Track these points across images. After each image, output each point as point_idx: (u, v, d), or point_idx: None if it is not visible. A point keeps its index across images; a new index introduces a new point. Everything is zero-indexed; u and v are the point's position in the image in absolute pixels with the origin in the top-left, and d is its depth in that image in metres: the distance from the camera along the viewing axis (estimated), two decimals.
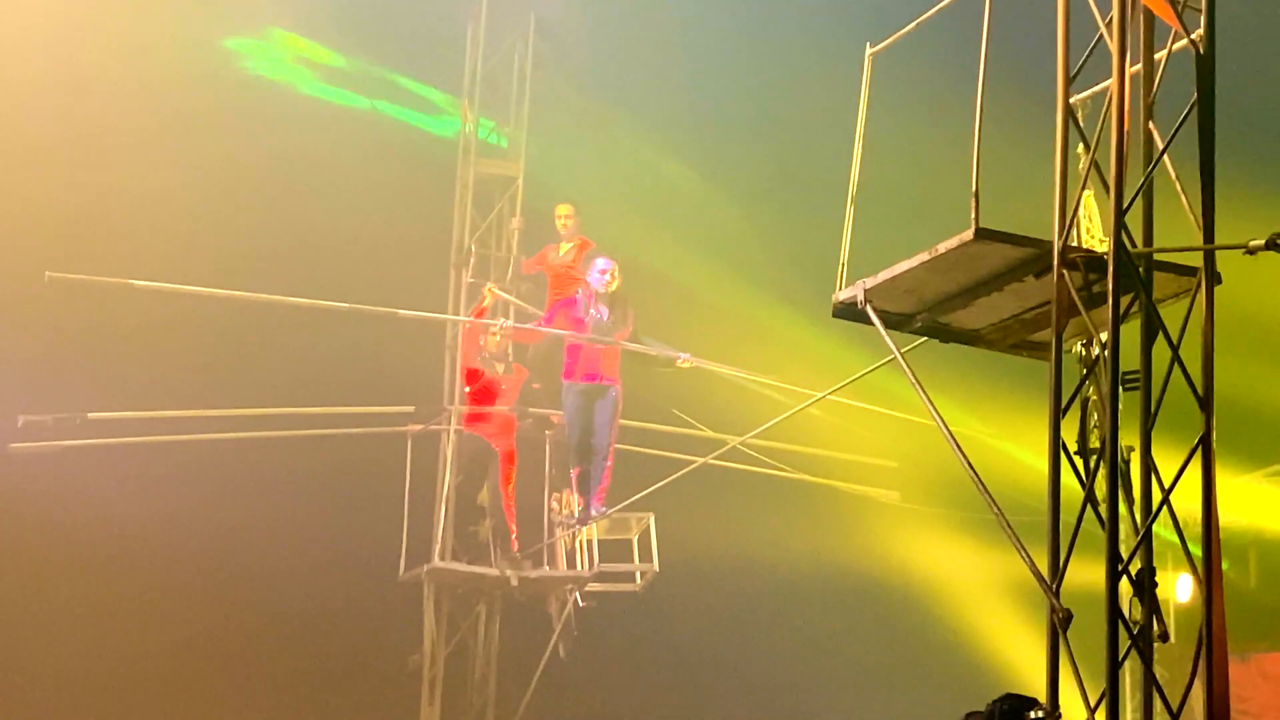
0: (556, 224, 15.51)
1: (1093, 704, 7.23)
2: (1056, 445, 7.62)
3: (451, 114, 16.74)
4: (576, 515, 14.22)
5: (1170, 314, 7.75)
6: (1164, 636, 7.50)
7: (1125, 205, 7.58)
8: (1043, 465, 7.69)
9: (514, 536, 14.69)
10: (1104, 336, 7.65)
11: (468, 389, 14.85)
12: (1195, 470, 7.51)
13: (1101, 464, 7.57)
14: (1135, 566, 7.40)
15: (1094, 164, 7.83)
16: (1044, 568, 7.47)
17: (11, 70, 14.54)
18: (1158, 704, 7.48)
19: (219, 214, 15.13)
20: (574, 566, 14.48)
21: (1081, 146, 7.96)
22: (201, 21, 15.81)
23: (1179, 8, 7.76)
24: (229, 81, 15.75)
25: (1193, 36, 7.76)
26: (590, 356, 14.17)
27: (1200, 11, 7.80)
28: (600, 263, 14.35)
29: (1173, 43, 7.83)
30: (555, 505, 14.70)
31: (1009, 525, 7.78)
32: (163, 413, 14.40)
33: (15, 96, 14.59)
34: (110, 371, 14.49)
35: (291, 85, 16.09)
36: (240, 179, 15.34)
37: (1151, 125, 7.81)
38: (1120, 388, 7.52)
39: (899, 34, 8.91)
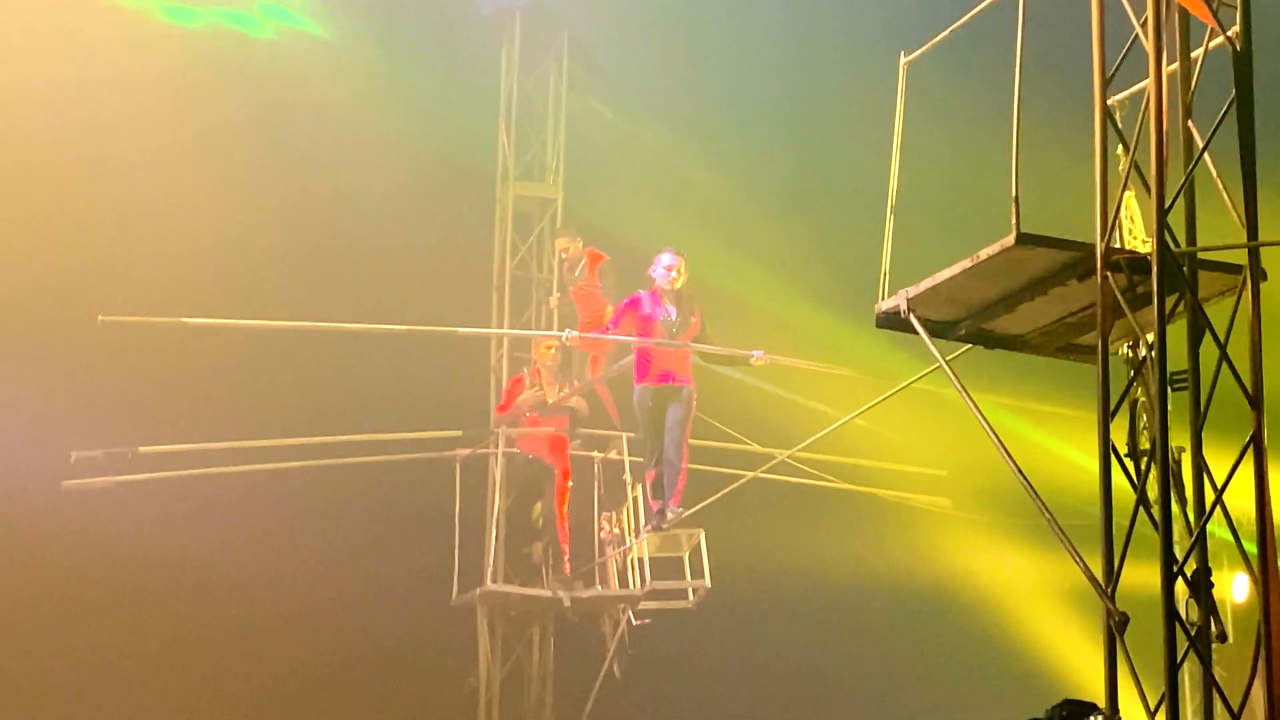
0: (561, 258, 15.57)
1: (1153, 707, 7.19)
2: (1106, 448, 7.59)
3: (489, 137, 16.79)
4: (652, 520, 13.97)
5: (1216, 312, 7.72)
6: (1222, 637, 7.46)
7: (1167, 205, 7.55)
8: (1093, 468, 7.66)
9: (566, 558, 14.68)
10: (1150, 337, 7.62)
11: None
12: (1248, 468, 7.46)
13: (1153, 465, 7.53)
14: (1191, 567, 7.36)
15: (1134, 164, 7.80)
16: (1099, 572, 7.44)
17: (59, 116, 14.71)
18: (1218, 705, 7.44)
19: (259, 242, 15.21)
20: (626, 585, 14.45)
21: (1121, 147, 7.94)
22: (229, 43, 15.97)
23: (1214, 5, 7.73)
24: (265, 106, 15.83)
25: (1229, 33, 7.73)
26: (662, 357, 13.77)
27: (1235, 8, 7.77)
28: (665, 258, 13.81)
29: (1209, 40, 7.80)
30: (606, 525, 14.69)
31: (1061, 530, 7.75)
32: (213, 444, 14.48)
33: (63, 137, 14.76)
34: (160, 405, 14.58)
35: (329, 110, 16.17)
36: (280, 207, 15.44)
37: (1190, 124, 7.78)
38: (1169, 388, 7.49)
39: (933, 42, 8.90)
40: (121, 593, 14.48)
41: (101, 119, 14.88)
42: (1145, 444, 7.77)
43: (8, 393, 14.18)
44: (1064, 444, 14.61)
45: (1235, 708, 7.32)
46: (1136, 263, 7.72)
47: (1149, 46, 7.69)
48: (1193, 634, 7.31)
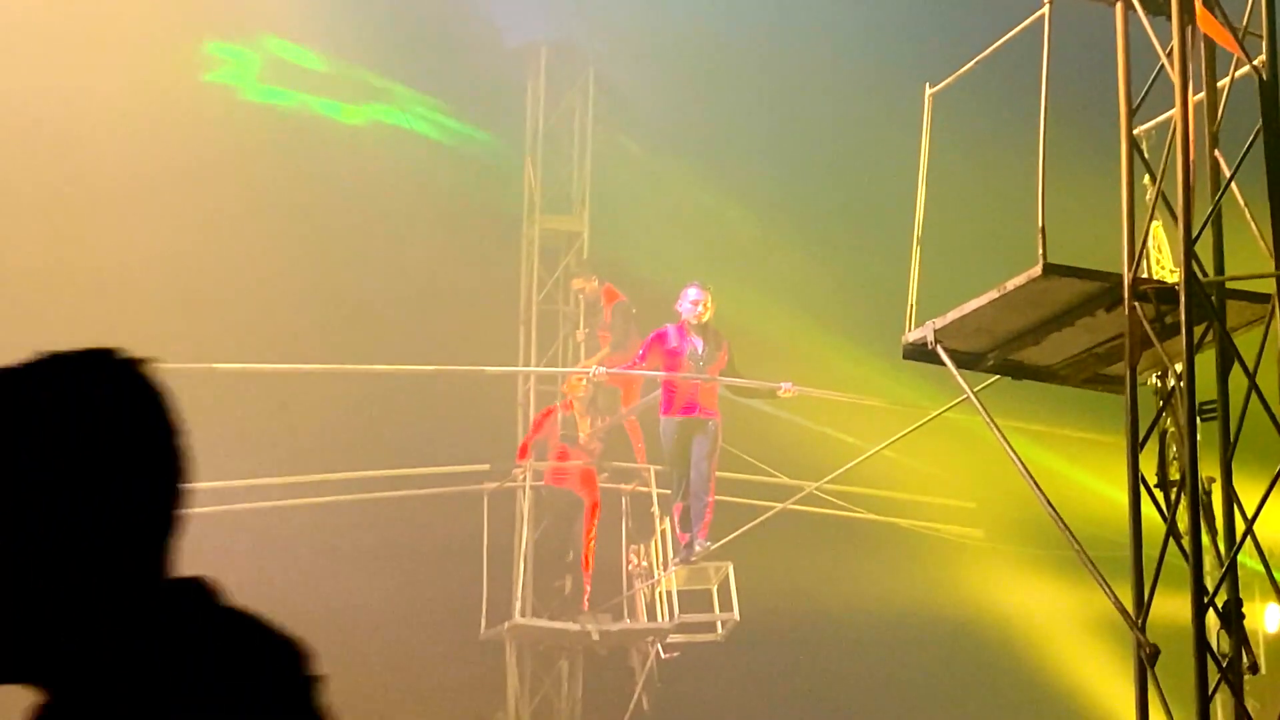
0: (580, 299, 15.64)
1: None
2: (1136, 479, 7.56)
3: (515, 171, 16.83)
4: (679, 553, 13.93)
5: (1245, 342, 7.69)
6: (1254, 668, 7.42)
7: (1195, 234, 7.53)
8: (1123, 498, 7.63)
9: (586, 595, 14.64)
10: (1179, 367, 7.60)
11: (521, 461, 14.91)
12: (1278, 498, 7.43)
13: (1182, 496, 7.51)
14: (1221, 598, 7.32)
15: (1161, 194, 7.79)
16: (1129, 603, 7.41)
17: (94, 163, 14.81)
18: None
19: (286, 277, 15.28)
20: (654, 618, 14.42)
21: (1147, 177, 7.93)
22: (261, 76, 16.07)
23: (1240, 34, 7.73)
24: (292, 152, 15.91)
25: (1255, 63, 7.72)
26: (687, 389, 13.75)
27: (1262, 37, 7.76)
28: (692, 293, 13.79)
29: (1235, 70, 7.80)
30: (634, 558, 14.67)
31: (1090, 561, 7.72)
32: (241, 481, 14.50)
33: (96, 184, 14.85)
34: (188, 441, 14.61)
35: (357, 148, 16.23)
36: (309, 243, 15.51)
37: (1217, 153, 7.77)
38: (1198, 418, 7.46)
39: (958, 73, 8.91)
40: None
41: (132, 172, 14.97)
42: (1175, 474, 7.74)
43: None
44: (1093, 475, 14.56)
45: None
46: (1164, 293, 7.70)
47: (1175, 76, 7.69)
48: (1224, 665, 7.27)
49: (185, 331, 14.29)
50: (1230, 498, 7.44)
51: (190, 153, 15.08)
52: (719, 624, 14.36)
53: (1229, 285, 7.73)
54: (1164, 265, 8.21)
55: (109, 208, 14.94)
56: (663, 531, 14.39)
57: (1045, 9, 8.12)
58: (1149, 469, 7.72)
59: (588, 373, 14.65)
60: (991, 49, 8.66)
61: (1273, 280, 7.62)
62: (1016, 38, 8.47)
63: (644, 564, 14.57)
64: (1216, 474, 7.50)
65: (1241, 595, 7.39)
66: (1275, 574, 7.58)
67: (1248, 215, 7.67)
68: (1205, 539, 7.46)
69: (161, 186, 15.04)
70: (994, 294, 8.00)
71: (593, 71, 16.75)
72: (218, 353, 14.06)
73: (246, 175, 15.25)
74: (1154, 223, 8.02)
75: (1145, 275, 7.91)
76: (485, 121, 16.99)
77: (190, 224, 15.09)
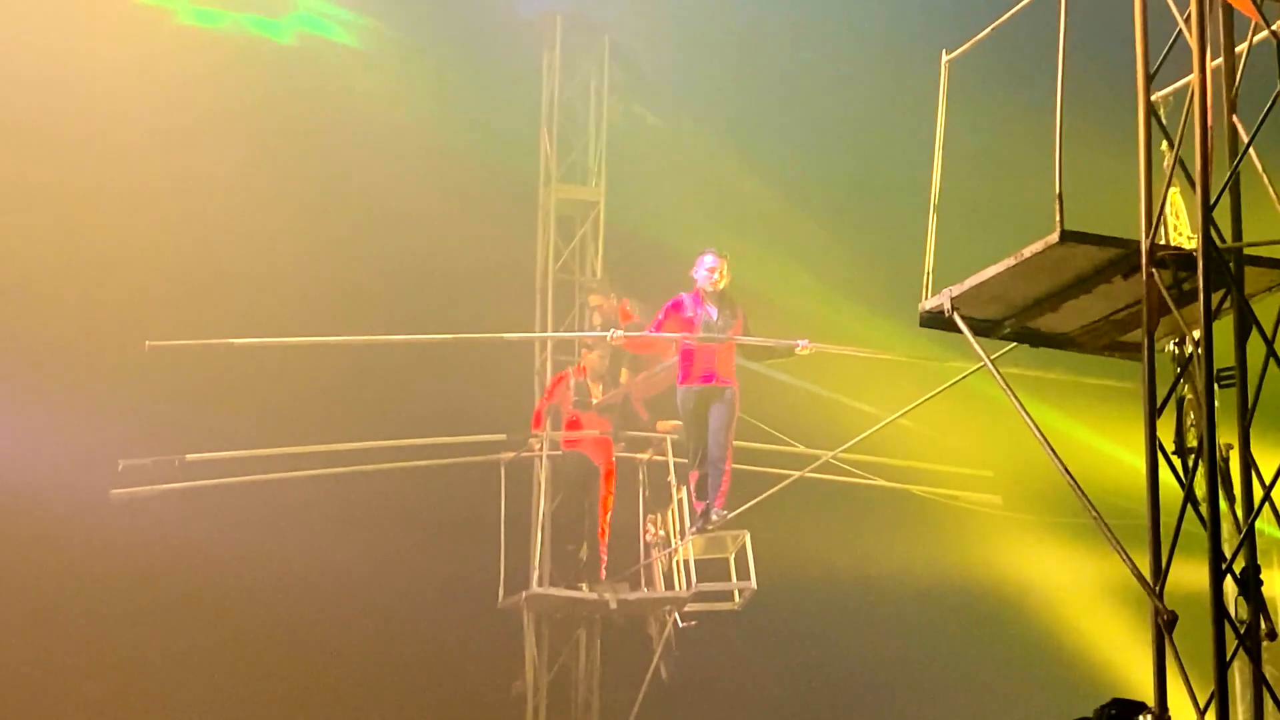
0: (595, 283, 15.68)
1: (1202, 706, 7.15)
2: (1153, 446, 7.56)
3: (531, 141, 16.82)
4: (696, 521, 13.94)
5: (1263, 308, 7.68)
6: (1272, 634, 7.42)
7: (1212, 201, 7.51)
8: (1141, 465, 7.62)
9: (603, 564, 14.66)
10: (1196, 334, 7.58)
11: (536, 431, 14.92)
12: None
13: (1200, 463, 7.50)
14: (1239, 565, 7.32)
15: (1178, 161, 7.76)
16: (1146, 570, 7.41)
17: (107, 134, 14.82)
18: (1268, 703, 7.39)
19: (302, 248, 15.29)
20: (672, 587, 14.44)
21: (1165, 143, 7.91)
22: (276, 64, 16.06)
23: (1258, 0, 7.70)
24: (306, 122, 15.91)
25: (1274, 28, 7.69)
26: (705, 358, 13.74)
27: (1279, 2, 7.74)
28: (708, 260, 13.83)
29: (1253, 35, 7.76)
30: (651, 527, 14.69)
31: (1108, 528, 7.72)
32: (259, 451, 14.54)
33: (111, 153, 14.86)
34: (206, 413, 14.66)
35: (369, 118, 16.22)
36: (323, 214, 15.52)
37: (1235, 119, 7.74)
38: (1215, 385, 7.45)
39: (975, 40, 8.88)
40: (170, 599, 14.56)
41: (145, 143, 14.97)
42: (1192, 441, 7.73)
43: (57, 403, 14.29)
44: (1111, 442, 14.55)
45: None
46: (1182, 259, 7.68)
47: (1192, 42, 7.65)
48: (1242, 632, 7.27)
49: (197, 308, 14.33)
50: (1248, 464, 7.43)
51: (207, 125, 15.11)
52: (736, 593, 14.38)
53: (1247, 251, 7.71)
54: (1181, 232, 8.19)
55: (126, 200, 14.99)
56: (680, 500, 14.40)
57: None
58: (1167, 436, 7.71)
59: (605, 335, 14.63)
60: (1008, 15, 8.63)
61: None
62: (1033, 4, 8.44)
63: (661, 533, 14.59)
64: (1234, 441, 7.49)
65: (1260, 562, 7.38)
66: None
67: (1265, 181, 7.65)
68: (1223, 506, 7.46)
69: (174, 166, 15.08)
70: (1011, 261, 7.98)
71: (608, 40, 16.74)
72: (230, 325, 14.09)
73: (255, 140, 15.25)
74: (1171, 189, 7.99)
75: (1163, 242, 7.88)
76: (501, 90, 16.96)
77: (203, 201, 15.11)
